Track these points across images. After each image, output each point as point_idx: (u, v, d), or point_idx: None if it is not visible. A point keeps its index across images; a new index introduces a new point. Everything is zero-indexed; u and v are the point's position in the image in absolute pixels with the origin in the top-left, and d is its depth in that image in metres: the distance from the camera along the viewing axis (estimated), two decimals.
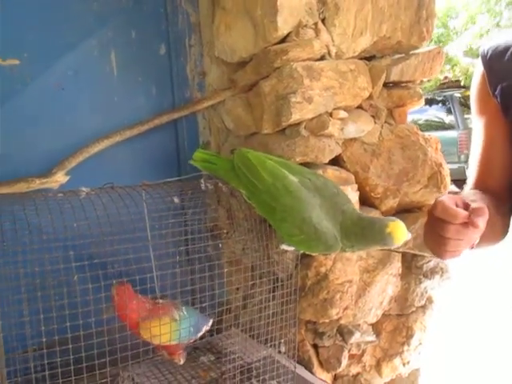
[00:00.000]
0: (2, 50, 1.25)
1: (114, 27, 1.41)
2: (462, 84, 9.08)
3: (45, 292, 0.95)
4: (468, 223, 0.76)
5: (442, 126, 7.82)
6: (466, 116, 7.75)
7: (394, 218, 1.01)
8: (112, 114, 1.40)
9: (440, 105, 8.02)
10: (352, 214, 1.03)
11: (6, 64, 1.26)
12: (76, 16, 1.35)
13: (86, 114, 1.37)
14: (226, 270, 1.34)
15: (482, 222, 0.76)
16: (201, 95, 1.53)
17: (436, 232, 0.81)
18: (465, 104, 8.17)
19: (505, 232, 1.12)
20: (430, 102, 7.79)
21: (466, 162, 7.14)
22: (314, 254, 1.27)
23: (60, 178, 1.23)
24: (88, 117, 1.37)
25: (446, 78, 9.21)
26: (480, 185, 1.12)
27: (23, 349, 1.12)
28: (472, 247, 0.88)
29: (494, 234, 1.02)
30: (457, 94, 8.16)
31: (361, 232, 1.00)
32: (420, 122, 7.77)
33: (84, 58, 1.37)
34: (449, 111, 7.82)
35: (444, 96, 8.07)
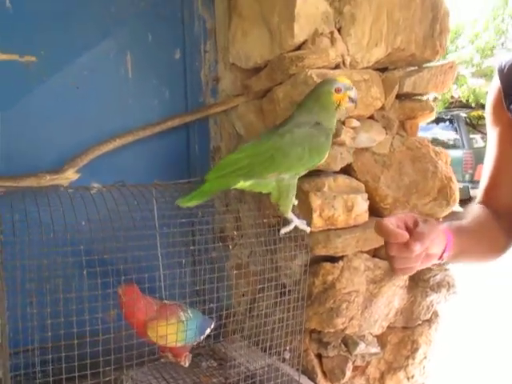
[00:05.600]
0: (19, 46, 1.26)
1: (131, 30, 1.42)
2: (469, 104, 9.08)
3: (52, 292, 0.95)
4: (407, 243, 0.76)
5: (447, 145, 7.83)
6: (471, 136, 7.77)
7: None
8: (125, 115, 1.41)
9: (446, 124, 8.03)
10: None
11: (23, 60, 1.27)
12: (94, 17, 1.37)
13: (99, 113, 1.38)
14: (232, 275, 1.34)
15: (419, 246, 0.75)
16: (214, 100, 1.54)
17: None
18: (470, 124, 8.19)
19: (506, 248, 1.10)
20: (436, 121, 7.80)
21: (471, 181, 7.16)
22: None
23: (71, 175, 1.23)
24: (101, 116, 1.38)
25: (452, 97, 9.22)
26: (488, 197, 1.11)
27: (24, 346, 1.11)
28: (440, 259, 0.86)
29: (492, 248, 1.01)
30: (463, 113, 8.18)
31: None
32: None
33: (100, 59, 1.38)
34: (454, 130, 7.83)
35: (450, 115, 8.08)
